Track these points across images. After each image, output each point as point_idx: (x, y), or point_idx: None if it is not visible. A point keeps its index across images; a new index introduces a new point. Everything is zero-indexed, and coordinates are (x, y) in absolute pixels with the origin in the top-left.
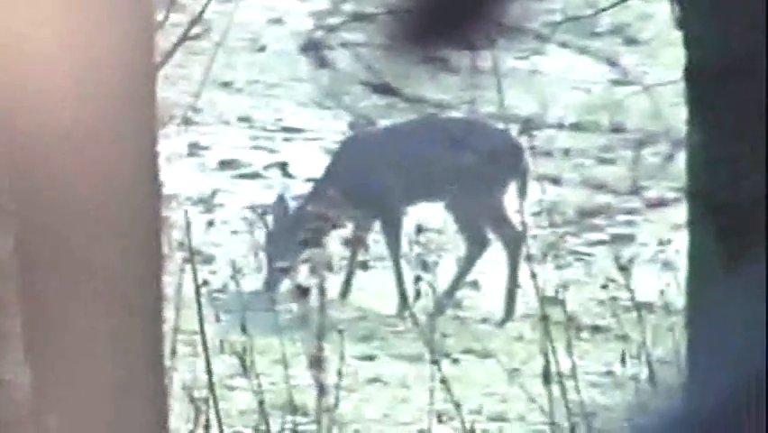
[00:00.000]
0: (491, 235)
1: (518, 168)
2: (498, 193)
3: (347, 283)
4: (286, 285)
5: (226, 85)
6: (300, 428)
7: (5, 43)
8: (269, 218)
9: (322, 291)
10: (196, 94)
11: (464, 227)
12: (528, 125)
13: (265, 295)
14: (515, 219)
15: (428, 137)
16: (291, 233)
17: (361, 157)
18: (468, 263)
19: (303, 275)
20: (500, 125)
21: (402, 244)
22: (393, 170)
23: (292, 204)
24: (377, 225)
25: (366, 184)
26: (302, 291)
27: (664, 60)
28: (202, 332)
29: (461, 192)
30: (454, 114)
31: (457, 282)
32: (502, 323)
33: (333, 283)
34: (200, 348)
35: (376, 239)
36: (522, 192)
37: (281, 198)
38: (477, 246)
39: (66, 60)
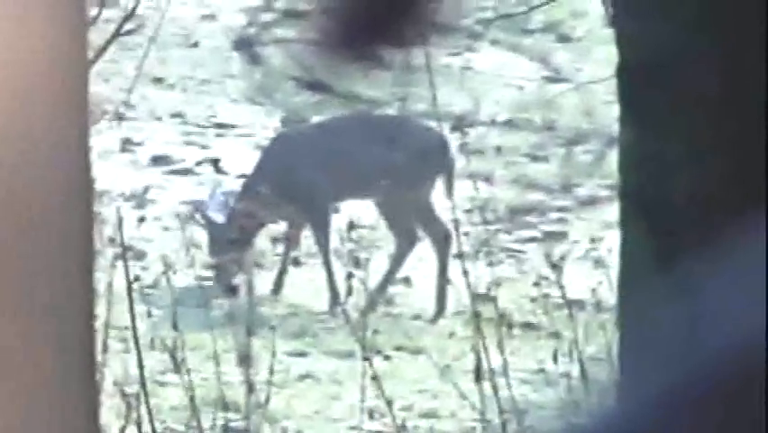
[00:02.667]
0: (420, 233)
1: (445, 164)
2: (424, 190)
3: (279, 280)
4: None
5: (159, 81)
6: (231, 424)
7: None
8: (200, 215)
9: (251, 288)
10: (129, 89)
11: (393, 224)
12: (461, 123)
13: (197, 291)
14: (443, 216)
15: (356, 134)
16: (224, 231)
17: (289, 154)
18: (398, 260)
19: (233, 272)
20: (430, 122)
21: (331, 241)
22: (321, 167)
23: (223, 201)
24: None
25: (294, 181)
26: (232, 288)
27: (597, 58)
28: (133, 328)
29: (389, 189)
30: (386, 110)
31: (388, 279)
32: (434, 320)
33: (266, 280)
34: (132, 344)
35: (308, 235)
36: (449, 189)
37: (210, 200)
38: (406, 243)
39: None
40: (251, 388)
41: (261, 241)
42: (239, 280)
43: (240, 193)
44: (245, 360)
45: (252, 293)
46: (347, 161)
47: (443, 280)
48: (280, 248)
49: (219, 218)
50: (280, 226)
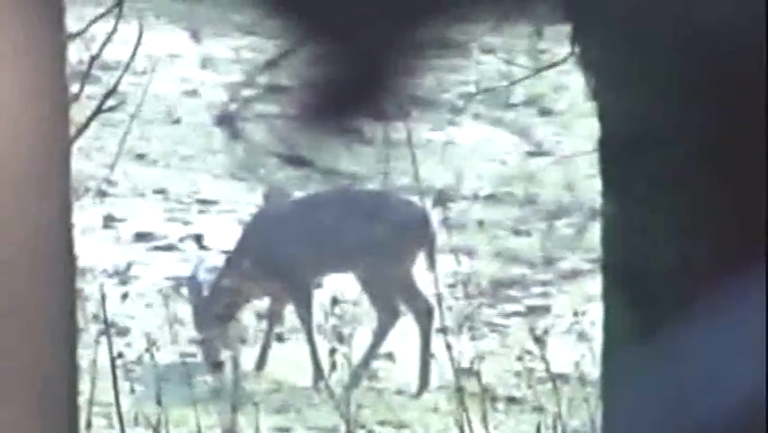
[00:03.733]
0: (403, 307)
1: (426, 238)
2: (406, 264)
3: (263, 356)
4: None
5: (141, 157)
6: None
7: None
8: (185, 291)
9: (236, 364)
10: (111, 166)
11: (375, 299)
12: (443, 197)
13: (180, 367)
14: (426, 290)
15: (337, 209)
16: (209, 307)
17: (269, 230)
18: (380, 335)
19: (218, 348)
20: (411, 197)
21: (313, 316)
22: (301, 242)
23: (206, 277)
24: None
25: (275, 257)
26: (217, 364)
27: (579, 132)
28: (117, 404)
29: (370, 264)
30: (368, 185)
31: (370, 354)
32: (417, 394)
33: (249, 356)
34: (115, 420)
35: (291, 310)
36: (431, 263)
37: (194, 276)
38: (388, 317)
39: None
40: None
41: (246, 316)
42: (224, 356)
43: (222, 269)
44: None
45: (238, 369)
46: (327, 237)
47: (426, 354)
48: (264, 324)
49: (203, 292)
50: (264, 302)
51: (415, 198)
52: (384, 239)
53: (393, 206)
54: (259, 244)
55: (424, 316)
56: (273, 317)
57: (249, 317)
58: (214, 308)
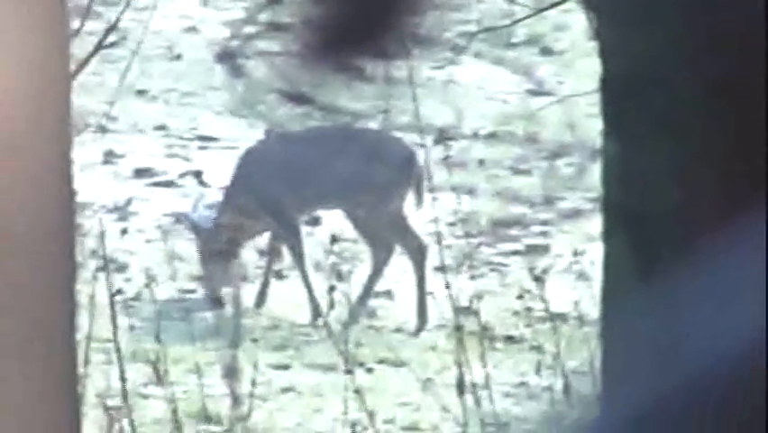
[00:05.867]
0: (395, 245)
1: (413, 177)
2: (393, 202)
3: (262, 293)
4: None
5: (142, 93)
6: None
7: None
8: (187, 223)
9: (237, 301)
10: (112, 102)
11: (366, 236)
12: (443, 136)
13: (179, 303)
14: (418, 229)
15: (325, 145)
16: (209, 243)
17: (257, 165)
18: (376, 272)
19: (218, 285)
20: (404, 134)
21: (305, 252)
22: (288, 178)
23: (206, 214)
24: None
25: (262, 192)
26: (218, 300)
27: (580, 71)
28: (115, 340)
29: (357, 201)
30: (368, 123)
31: (367, 291)
32: (416, 332)
33: (249, 293)
34: (114, 356)
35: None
36: (418, 201)
37: (193, 212)
38: (382, 254)
39: None
40: (235, 401)
41: (246, 253)
42: (224, 292)
43: (221, 204)
44: (230, 372)
45: (239, 306)
46: (314, 173)
47: (421, 292)
48: (264, 261)
49: (206, 224)
50: (265, 239)
51: (404, 136)
52: (371, 176)
53: (381, 143)
54: (248, 181)
55: (416, 253)
56: (272, 253)
57: (250, 253)
58: (215, 244)
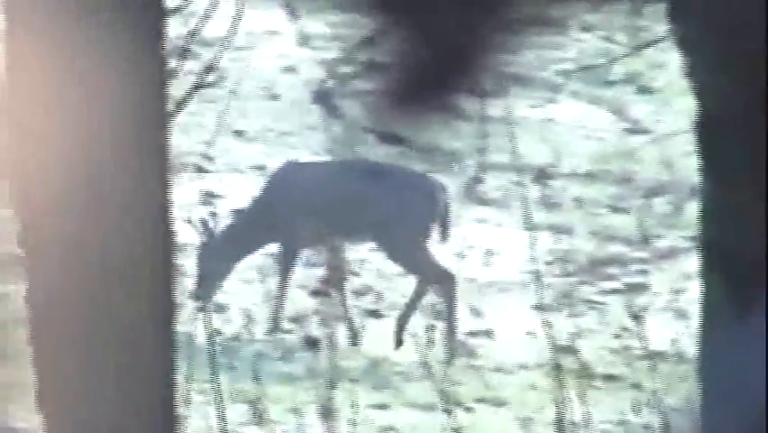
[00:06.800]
0: (421, 277)
1: (436, 212)
2: (417, 236)
3: (354, 332)
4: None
5: (239, 133)
6: None
7: (28, 91)
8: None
9: (332, 341)
10: (210, 142)
11: (401, 265)
12: (541, 174)
13: (277, 344)
14: (444, 262)
15: (347, 178)
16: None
17: (278, 191)
18: (417, 297)
19: (313, 326)
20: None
21: (289, 278)
22: (303, 207)
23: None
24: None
25: (278, 216)
26: (312, 341)
27: (677, 109)
28: (215, 380)
29: (383, 234)
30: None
31: (406, 316)
32: (446, 365)
33: (344, 333)
34: (213, 397)
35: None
36: (443, 235)
37: (206, 220)
38: (421, 282)
39: (81, 108)
40: None
41: (341, 293)
42: (319, 333)
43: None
44: (327, 413)
45: (334, 346)
46: (338, 205)
47: (451, 323)
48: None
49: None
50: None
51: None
52: (395, 211)
53: (406, 179)
54: (268, 201)
55: (444, 284)
56: (333, 274)
57: (346, 293)
58: (228, 250)
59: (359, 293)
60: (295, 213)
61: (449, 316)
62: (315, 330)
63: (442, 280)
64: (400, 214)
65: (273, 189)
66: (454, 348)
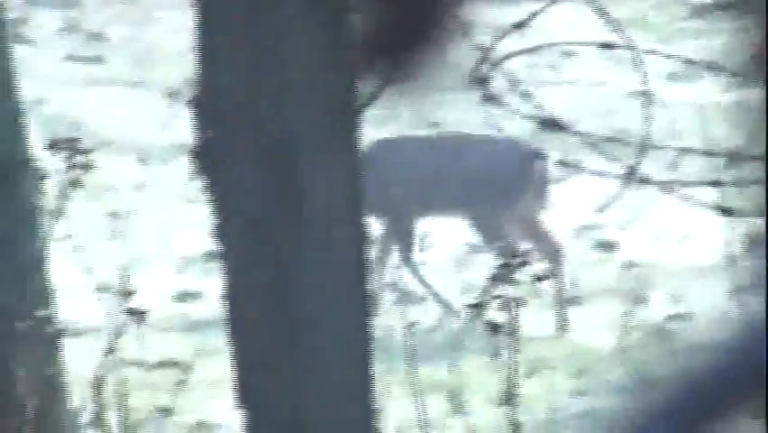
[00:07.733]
0: (527, 248)
1: (530, 178)
2: (517, 204)
3: (562, 318)
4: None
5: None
6: None
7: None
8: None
9: (514, 328)
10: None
11: (488, 242)
12: (735, 157)
13: (475, 333)
14: (554, 234)
15: (439, 151)
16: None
17: (375, 167)
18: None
19: (494, 310)
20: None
21: (414, 256)
22: (406, 181)
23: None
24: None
25: (379, 193)
26: (493, 327)
27: None
28: (413, 372)
29: (478, 206)
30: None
31: (560, 295)
32: (555, 338)
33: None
34: (409, 388)
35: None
36: (539, 201)
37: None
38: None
39: (274, 100)
40: (515, 429)
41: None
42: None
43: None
44: (508, 399)
45: (516, 333)
46: (431, 178)
47: (559, 299)
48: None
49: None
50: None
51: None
52: (490, 181)
53: (498, 146)
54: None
55: (553, 257)
56: (384, 252)
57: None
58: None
59: (539, 278)
60: (397, 189)
61: (557, 289)
62: (499, 317)
63: (550, 252)
64: (488, 185)
65: (371, 169)
66: (565, 321)
